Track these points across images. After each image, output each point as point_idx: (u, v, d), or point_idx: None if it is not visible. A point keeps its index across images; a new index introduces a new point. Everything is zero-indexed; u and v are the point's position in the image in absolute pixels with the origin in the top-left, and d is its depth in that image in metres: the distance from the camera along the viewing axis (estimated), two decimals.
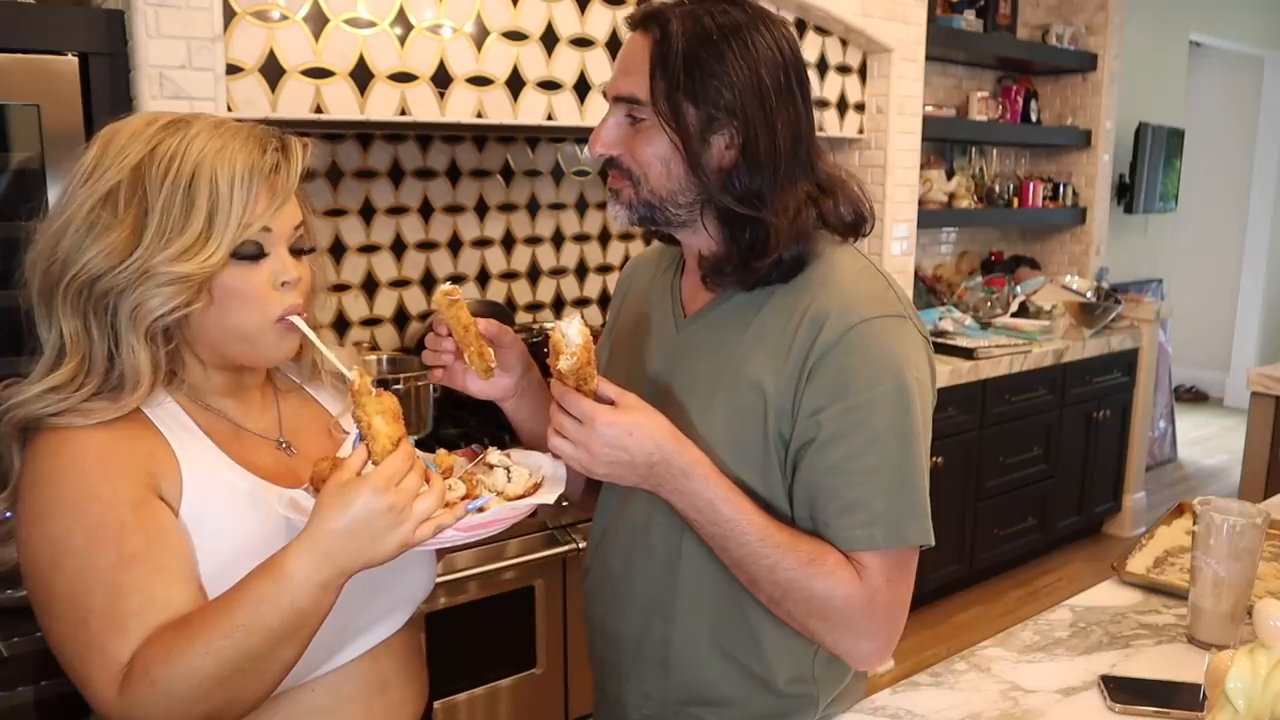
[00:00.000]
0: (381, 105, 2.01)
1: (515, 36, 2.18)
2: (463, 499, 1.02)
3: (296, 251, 0.99)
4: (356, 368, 0.91)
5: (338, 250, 2.49)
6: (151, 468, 0.92)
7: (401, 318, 2.62)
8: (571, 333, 0.95)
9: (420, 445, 0.98)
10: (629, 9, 2.38)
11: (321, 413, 1.13)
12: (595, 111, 2.36)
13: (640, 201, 1.06)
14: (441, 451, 1.12)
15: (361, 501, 0.83)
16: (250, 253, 0.94)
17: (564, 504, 1.03)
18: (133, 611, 0.85)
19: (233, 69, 1.81)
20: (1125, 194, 4.88)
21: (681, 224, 1.08)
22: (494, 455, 1.07)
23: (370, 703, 1.04)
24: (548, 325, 2.76)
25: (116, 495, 0.88)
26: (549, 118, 2.27)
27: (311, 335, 0.98)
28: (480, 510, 0.95)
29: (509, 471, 1.04)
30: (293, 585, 0.83)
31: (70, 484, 0.88)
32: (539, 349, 2.85)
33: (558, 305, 2.91)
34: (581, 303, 2.96)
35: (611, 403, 0.97)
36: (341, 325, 2.53)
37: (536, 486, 1.04)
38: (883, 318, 1.03)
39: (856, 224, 1.11)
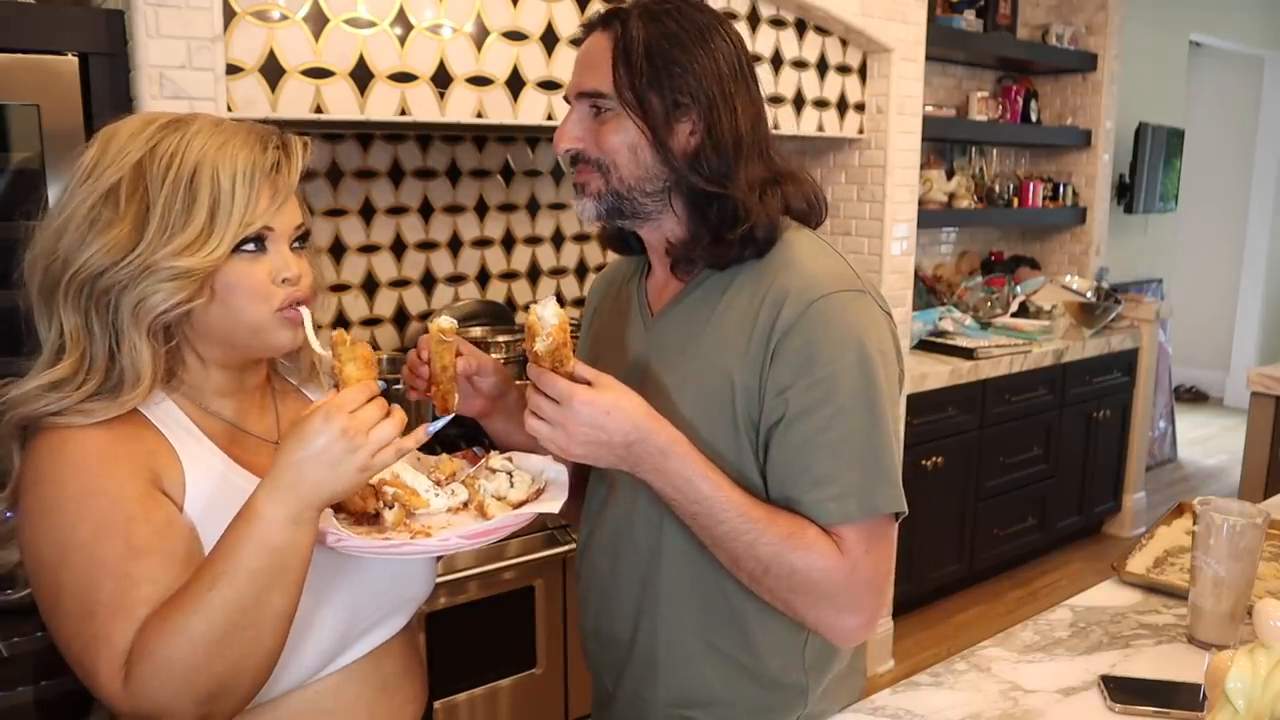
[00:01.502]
0: (381, 105, 2.01)
1: (515, 36, 2.18)
2: (465, 505, 1.03)
3: (298, 248, 0.99)
4: (340, 329, 0.92)
5: (338, 250, 2.49)
6: (154, 465, 0.92)
7: (401, 318, 2.62)
8: (547, 314, 0.95)
9: (421, 447, 0.98)
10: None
11: None
12: None
13: (610, 191, 1.08)
14: (445, 456, 1.12)
15: (313, 429, 0.84)
16: (251, 249, 0.94)
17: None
18: (143, 600, 0.85)
19: (233, 69, 1.81)
20: (1125, 194, 4.88)
21: (648, 215, 1.10)
22: (496, 460, 1.07)
23: (372, 704, 1.04)
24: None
25: (122, 490, 0.88)
26: (549, 118, 2.27)
27: (310, 330, 0.98)
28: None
29: (511, 476, 1.04)
30: (263, 522, 0.84)
31: (74, 481, 0.88)
32: None
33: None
34: (581, 302, 2.96)
35: (588, 384, 0.98)
36: (341, 325, 2.53)
37: (539, 492, 1.04)
38: (842, 292, 1.05)
39: (812, 211, 1.15)
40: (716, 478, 1.01)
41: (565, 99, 1.12)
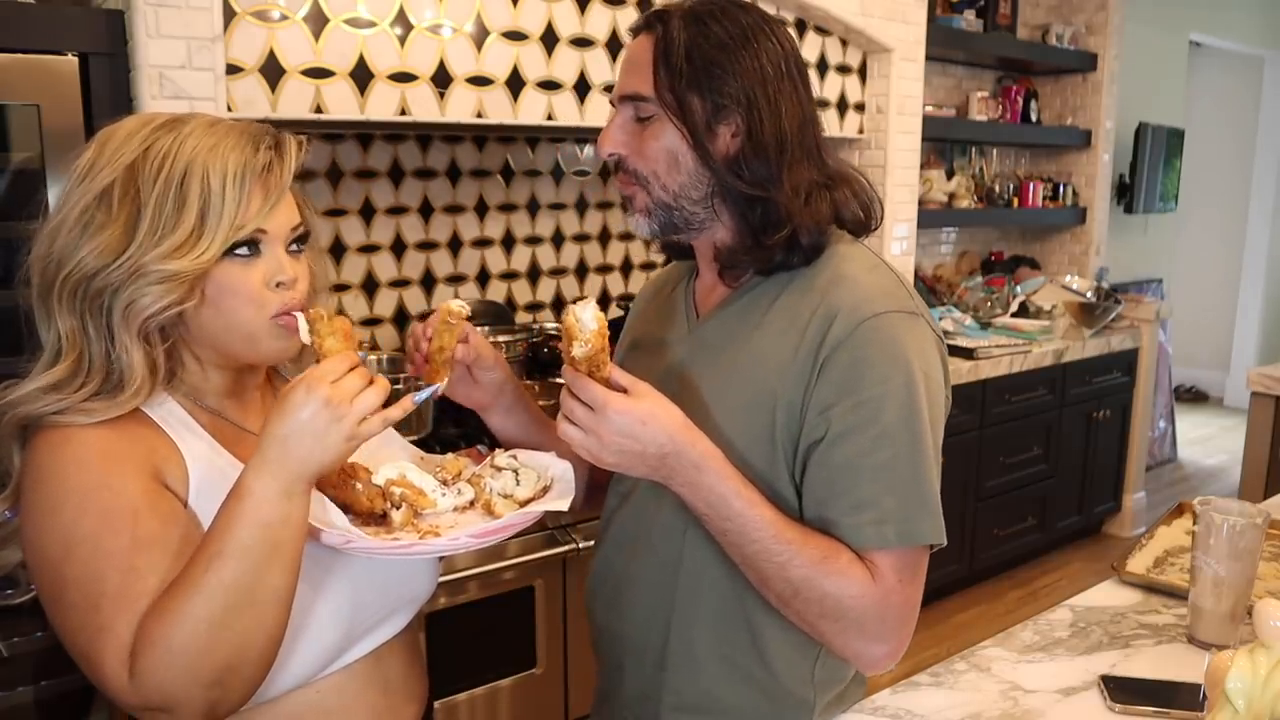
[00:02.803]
0: (381, 105, 2.01)
1: (515, 36, 2.18)
2: (471, 504, 1.02)
3: (295, 251, 0.98)
4: (317, 305, 0.92)
5: (338, 250, 2.49)
6: (156, 461, 0.92)
7: (401, 318, 2.62)
8: (586, 318, 0.94)
9: (420, 445, 0.98)
10: (629, 9, 2.38)
11: None
12: (595, 111, 2.36)
13: (656, 204, 1.07)
14: (450, 456, 1.12)
15: (296, 401, 0.84)
16: (244, 252, 0.93)
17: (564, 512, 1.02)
18: (148, 592, 0.84)
19: (233, 69, 1.81)
20: (1125, 194, 4.88)
21: (700, 225, 1.09)
22: (501, 458, 1.06)
23: (375, 703, 1.04)
24: (548, 325, 2.77)
25: (126, 483, 0.88)
26: (549, 118, 2.27)
27: (304, 333, 0.97)
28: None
29: (517, 474, 1.03)
30: (254, 499, 0.83)
31: (77, 476, 0.88)
32: (539, 348, 2.83)
33: (557, 305, 2.91)
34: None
35: (624, 391, 0.96)
36: None
37: (545, 489, 1.03)
38: (895, 313, 1.03)
39: (867, 219, 1.12)
40: (750, 495, 0.99)
41: (610, 103, 1.11)
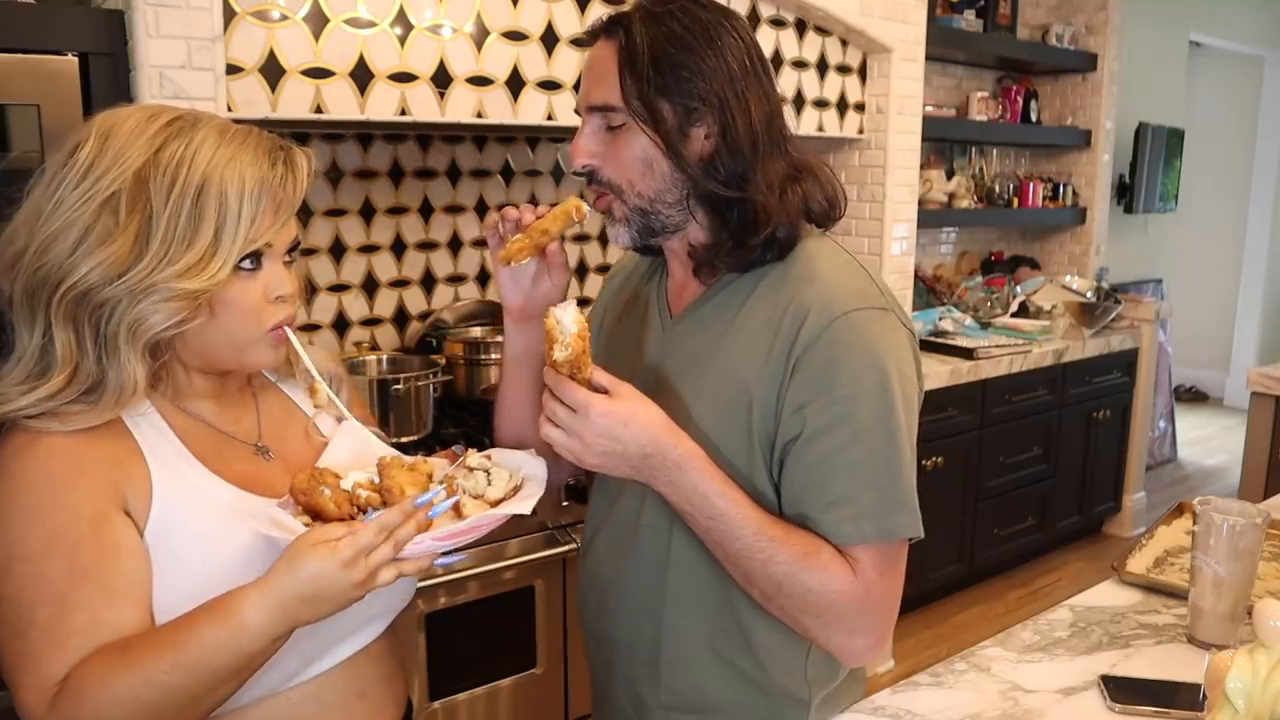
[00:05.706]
0: (381, 105, 2.01)
1: (515, 36, 2.18)
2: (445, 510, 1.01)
3: (289, 260, 0.98)
4: (391, 455, 0.91)
5: (338, 250, 2.49)
6: (119, 478, 0.90)
7: (401, 318, 2.62)
8: (567, 320, 0.93)
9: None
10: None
11: (297, 413, 1.12)
12: None
13: (633, 210, 1.06)
14: (421, 457, 1.10)
15: (323, 571, 0.83)
16: (249, 265, 0.92)
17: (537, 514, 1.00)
18: (75, 630, 0.84)
19: (233, 69, 1.81)
20: (1125, 194, 4.88)
21: (676, 227, 1.08)
22: (473, 458, 1.05)
23: (350, 709, 1.03)
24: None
25: (78, 506, 0.87)
26: (549, 118, 2.27)
27: (300, 348, 0.99)
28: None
29: (489, 474, 1.02)
30: (246, 635, 0.83)
31: (33, 487, 0.87)
32: None
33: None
34: (582, 303, 2.96)
35: (606, 392, 0.96)
36: (341, 325, 2.52)
37: (517, 488, 1.02)
38: (866, 309, 1.03)
39: (832, 209, 1.12)
40: (733, 494, 0.99)
41: (576, 111, 1.09)
